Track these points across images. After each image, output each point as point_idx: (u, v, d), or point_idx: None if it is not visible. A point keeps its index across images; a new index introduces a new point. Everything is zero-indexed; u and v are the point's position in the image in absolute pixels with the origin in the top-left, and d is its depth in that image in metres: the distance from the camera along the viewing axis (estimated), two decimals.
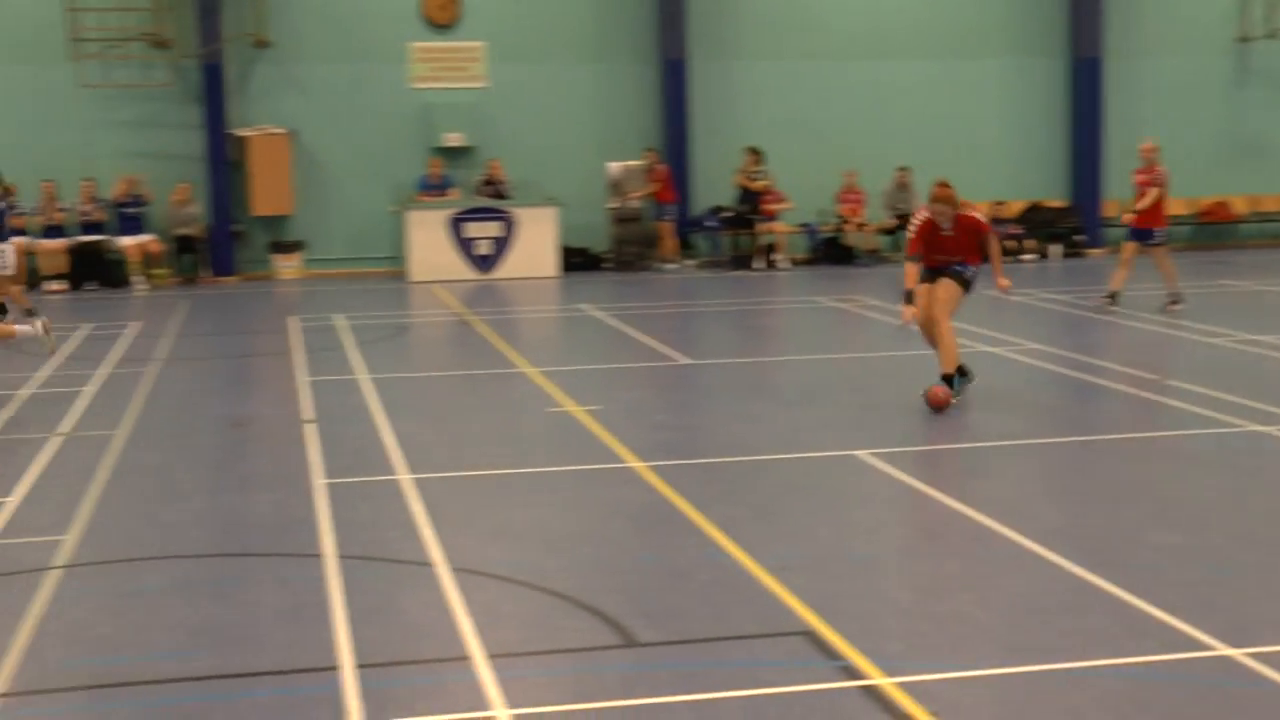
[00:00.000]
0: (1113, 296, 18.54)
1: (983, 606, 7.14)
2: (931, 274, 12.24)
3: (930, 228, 12.08)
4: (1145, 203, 18.26)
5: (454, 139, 25.21)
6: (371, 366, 14.77)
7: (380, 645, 6.69)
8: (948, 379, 11.97)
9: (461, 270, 23.85)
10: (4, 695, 6.19)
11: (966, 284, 12.26)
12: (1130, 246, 18.68)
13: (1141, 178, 18.49)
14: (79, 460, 10.61)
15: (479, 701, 6.04)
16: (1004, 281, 12.67)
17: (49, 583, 7.72)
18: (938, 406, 11.71)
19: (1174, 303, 18.17)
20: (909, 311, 12.13)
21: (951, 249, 12.15)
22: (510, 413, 12.38)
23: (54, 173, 23.47)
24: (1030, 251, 26.23)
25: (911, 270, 12.23)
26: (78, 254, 23.40)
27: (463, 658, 6.53)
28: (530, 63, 25.62)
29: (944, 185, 12.11)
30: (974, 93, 27.12)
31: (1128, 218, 18.86)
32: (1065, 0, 27.17)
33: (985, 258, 12.31)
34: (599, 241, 25.86)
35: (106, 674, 6.43)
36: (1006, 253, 25.64)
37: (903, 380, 13.51)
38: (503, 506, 9.19)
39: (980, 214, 12.56)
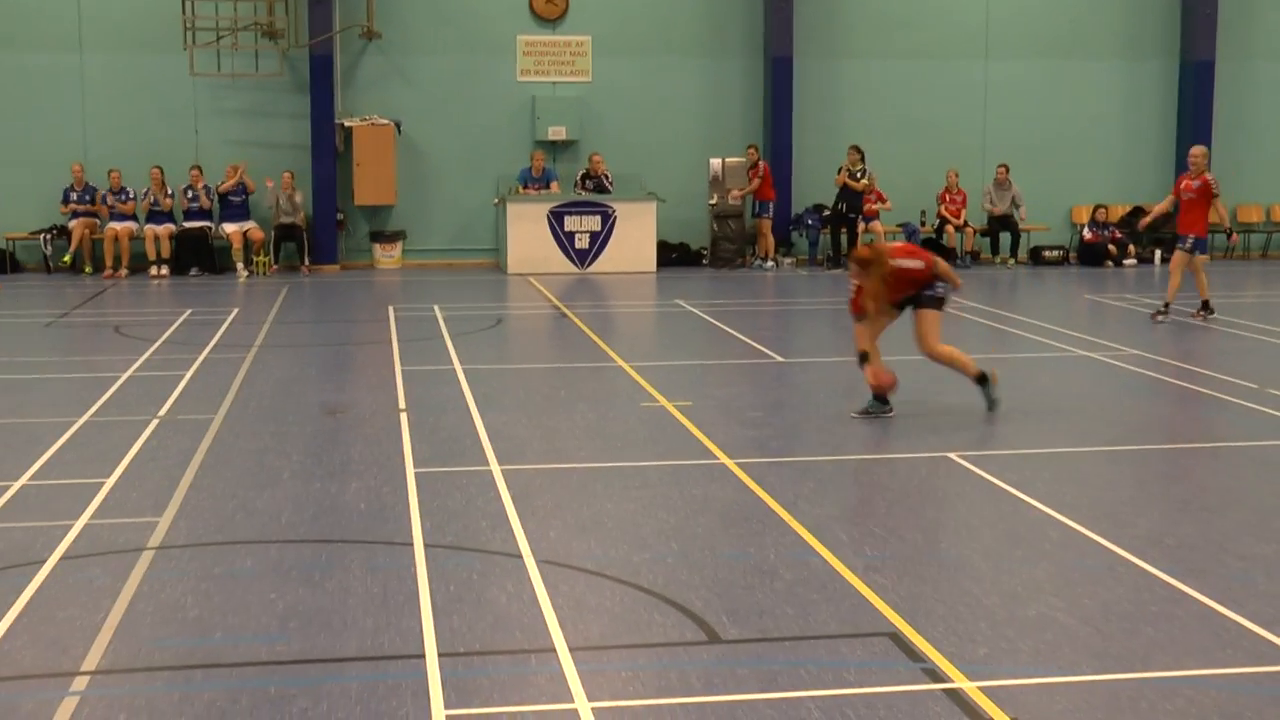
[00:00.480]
0: (1205, 305, 18.02)
1: (1070, 612, 7.05)
2: (902, 307, 11.94)
3: (865, 292, 11.70)
4: (1223, 216, 18.11)
5: (557, 132, 25.30)
6: (467, 357, 14.86)
7: (465, 634, 6.73)
8: (981, 380, 11.90)
9: (560, 263, 23.93)
10: (96, 672, 6.30)
11: (940, 302, 11.93)
12: (1185, 256, 18.02)
13: (1189, 183, 17.91)
14: (175, 443, 10.78)
15: (561, 694, 6.05)
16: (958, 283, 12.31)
17: (142, 563, 7.85)
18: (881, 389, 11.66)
19: (1164, 312, 17.84)
20: (874, 374, 11.76)
21: (905, 287, 11.82)
22: (603, 406, 12.40)
23: (163, 159, 23.86)
24: (1130, 256, 25.85)
25: (860, 332, 11.95)
26: (182, 240, 23.76)
27: (547, 650, 6.55)
28: (635, 57, 25.66)
29: (861, 255, 11.73)
30: (1081, 94, 26.78)
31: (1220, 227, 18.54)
32: (1178, 3, 26.74)
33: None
34: (698, 237, 25.85)
35: (195, 655, 6.52)
36: (1108, 257, 25.37)
37: (999, 382, 13.37)
38: (592, 500, 9.20)
39: (916, 261, 11.83)
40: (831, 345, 16.06)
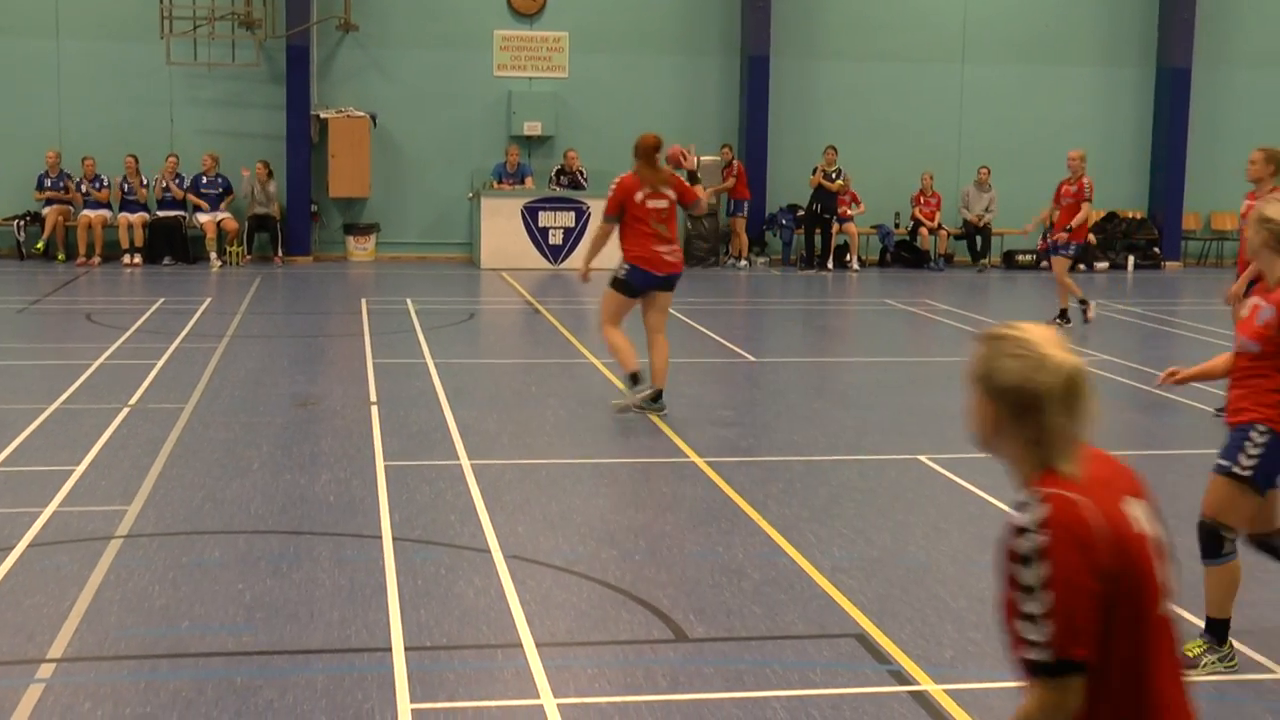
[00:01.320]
0: (1063, 314, 17.53)
1: None
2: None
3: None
4: (1078, 219, 17.47)
5: (533, 128, 25.27)
6: (439, 351, 14.84)
7: (432, 629, 6.73)
8: (634, 378, 11.82)
9: (533, 259, 23.90)
10: (62, 660, 6.28)
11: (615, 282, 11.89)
12: (1063, 262, 17.69)
13: (1066, 188, 17.58)
14: (145, 432, 10.74)
15: (527, 689, 6.06)
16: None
17: (110, 552, 7.82)
18: None
19: (1084, 309, 17.68)
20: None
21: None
22: (574, 403, 12.40)
23: (138, 148, 23.75)
24: (1101, 261, 25.97)
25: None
26: (156, 229, 23.66)
27: (513, 645, 6.56)
28: (612, 54, 25.64)
29: None
30: (1057, 99, 26.84)
31: (1060, 235, 17.66)
32: (1155, 9, 26.84)
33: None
34: None
35: (161, 644, 6.50)
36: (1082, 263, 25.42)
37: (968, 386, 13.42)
38: (561, 496, 9.21)
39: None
40: (804, 346, 16.10)
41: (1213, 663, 6.42)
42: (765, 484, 9.59)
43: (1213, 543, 6.44)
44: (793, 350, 16.11)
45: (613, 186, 11.89)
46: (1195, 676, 6.27)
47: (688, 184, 12.14)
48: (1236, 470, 6.34)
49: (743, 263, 25.10)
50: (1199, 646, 6.45)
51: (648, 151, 11.86)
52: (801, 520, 8.72)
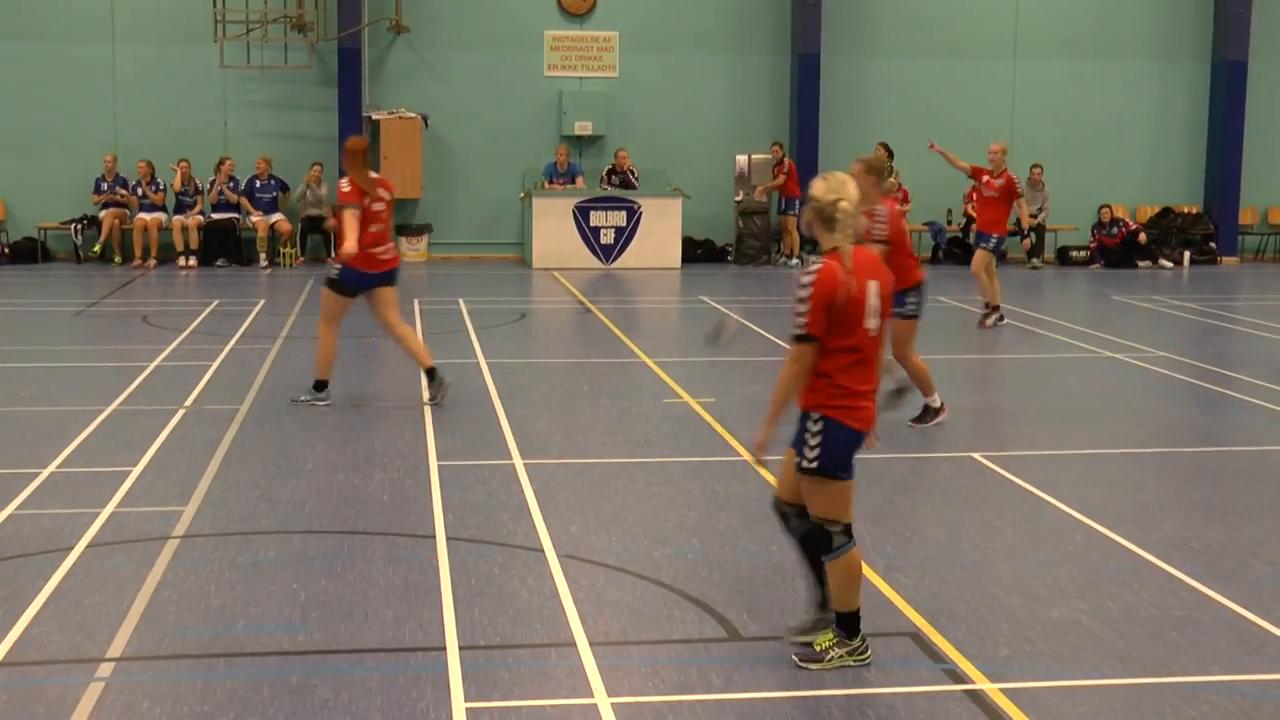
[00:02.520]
0: (995, 310, 17.18)
1: (1094, 615, 7.03)
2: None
3: None
4: (1024, 216, 17.06)
5: (584, 128, 25.31)
6: (491, 351, 14.88)
7: (486, 628, 6.74)
8: (431, 374, 12.01)
9: (584, 258, 23.94)
10: (120, 659, 6.34)
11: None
12: (983, 257, 17.18)
13: (990, 180, 17.02)
14: (201, 433, 10.82)
15: (581, 688, 6.06)
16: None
17: (167, 552, 7.88)
18: None
19: (996, 317, 17.09)
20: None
21: None
22: (626, 402, 12.40)
23: (192, 151, 23.94)
24: (1162, 258, 25.75)
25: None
26: (210, 231, 23.84)
27: (567, 644, 6.56)
28: (662, 53, 25.65)
29: None
30: (1111, 95, 26.66)
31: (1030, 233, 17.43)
32: (1210, 2, 26.59)
33: None
34: (723, 234, 25.83)
35: (218, 643, 6.54)
36: (1135, 256, 25.21)
37: (1023, 383, 13.35)
38: (613, 495, 9.21)
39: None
40: None
41: (841, 656, 6.29)
42: None
43: (824, 538, 6.35)
44: None
45: (346, 189, 11.67)
46: (817, 667, 6.25)
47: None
48: (805, 464, 6.34)
49: (794, 261, 25.03)
50: (829, 639, 6.35)
51: (357, 155, 11.83)
52: (855, 519, 8.61)
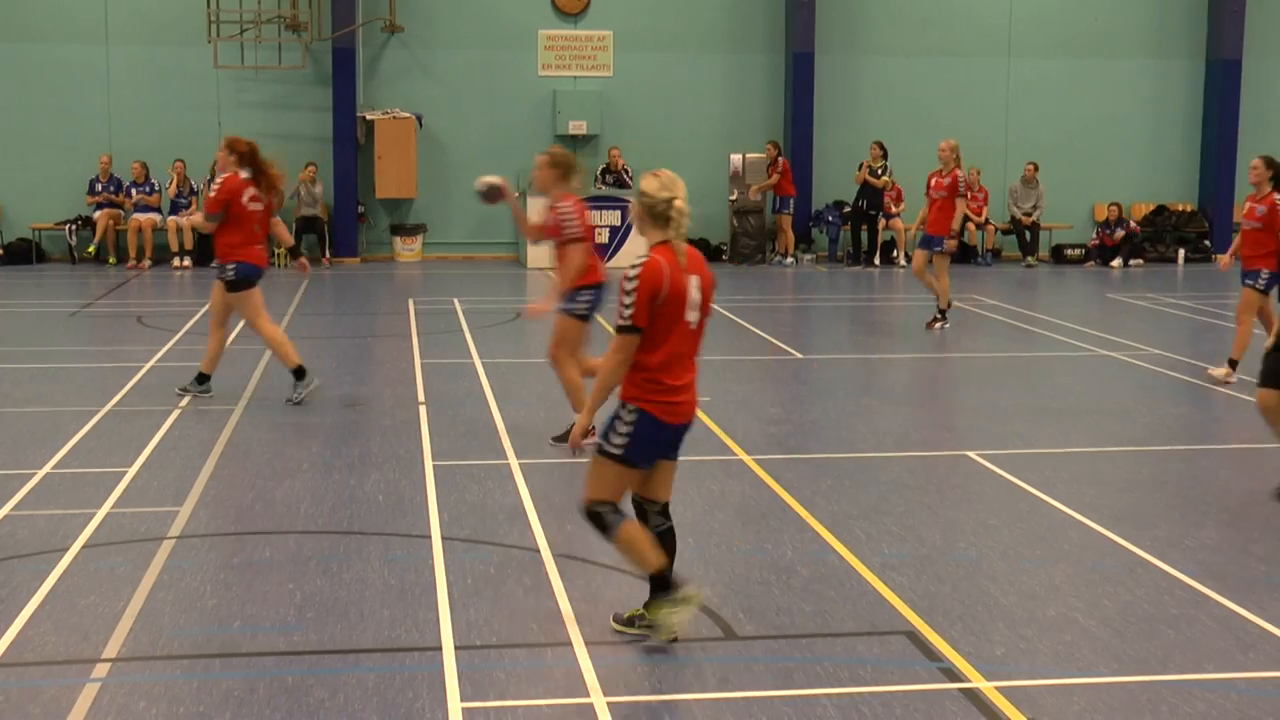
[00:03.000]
0: (942, 313, 16.86)
1: (1089, 613, 7.04)
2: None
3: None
4: (957, 219, 16.65)
5: (578, 127, 25.30)
6: (486, 351, 14.88)
7: (482, 628, 6.74)
8: (299, 373, 12.06)
9: None
10: (116, 659, 6.33)
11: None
12: (922, 257, 16.98)
13: (938, 181, 16.85)
14: (196, 434, 10.82)
15: (577, 688, 6.07)
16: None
17: (162, 552, 7.88)
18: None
19: (939, 321, 16.79)
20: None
21: None
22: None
23: (186, 152, 23.92)
24: (1142, 256, 25.80)
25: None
26: (204, 231, 23.78)
27: (563, 644, 6.56)
28: (656, 52, 25.65)
29: None
30: (1105, 93, 26.66)
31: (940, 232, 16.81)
32: (1205, 1, 26.61)
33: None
34: (718, 233, 25.83)
35: (214, 643, 6.54)
36: (1119, 255, 25.23)
37: (1018, 382, 13.36)
38: None
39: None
40: (851, 342, 16.05)
41: (666, 611, 6.45)
42: (813, 481, 9.57)
43: (597, 521, 6.49)
44: (840, 347, 16.06)
45: (218, 185, 11.90)
46: (633, 629, 6.55)
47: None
48: (609, 448, 6.43)
49: (789, 260, 25.05)
50: (650, 605, 6.55)
51: (253, 153, 12.11)
52: (850, 517, 8.70)
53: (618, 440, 6.39)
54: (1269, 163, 13.18)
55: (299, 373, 12.13)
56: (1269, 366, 9.16)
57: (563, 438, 10.37)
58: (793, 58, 25.53)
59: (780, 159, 25.03)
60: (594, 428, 7.33)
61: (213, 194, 11.91)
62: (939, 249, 16.78)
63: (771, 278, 23.22)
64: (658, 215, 6.38)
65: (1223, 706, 5.92)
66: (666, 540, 6.68)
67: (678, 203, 6.38)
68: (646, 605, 6.59)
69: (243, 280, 11.97)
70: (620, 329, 6.27)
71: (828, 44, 25.78)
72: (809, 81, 25.57)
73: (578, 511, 6.81)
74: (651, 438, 6.42)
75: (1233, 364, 13.35)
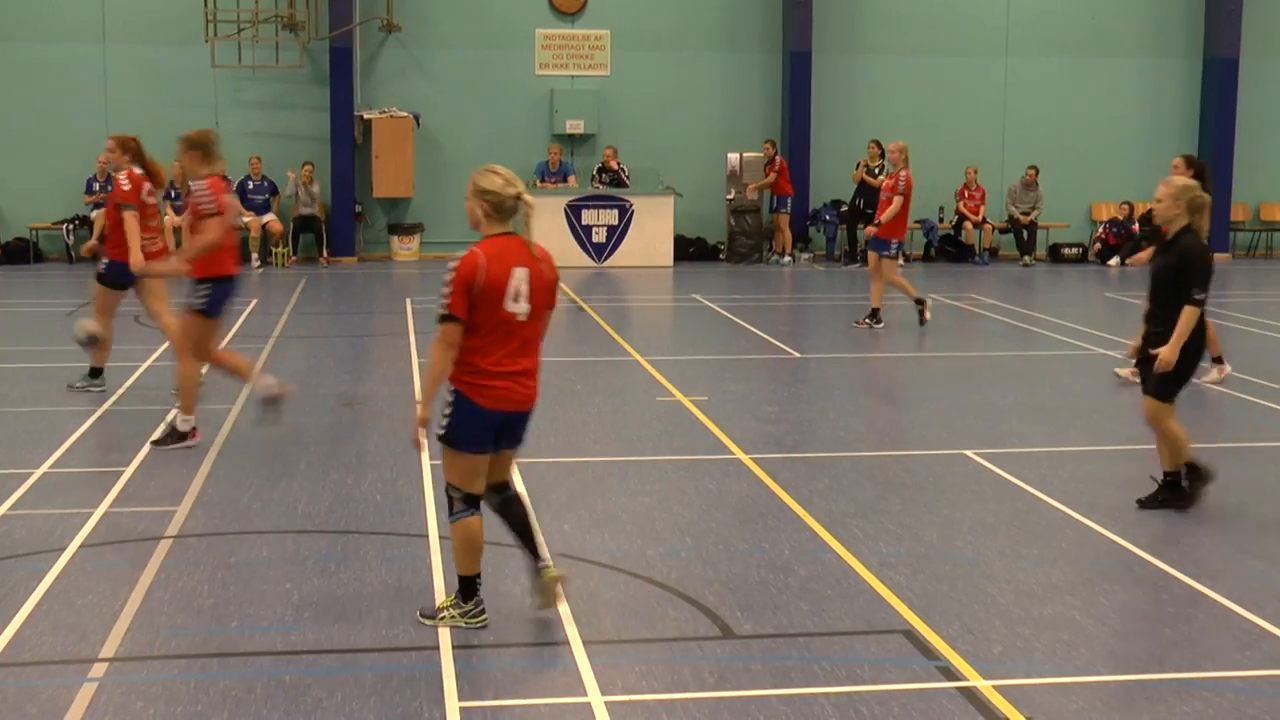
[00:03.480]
0: (874, 313, 16.85)
1: (1087, 612, 7.04)
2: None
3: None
4: (887, 214, 16.43)
5: (575, 126, 25.30)
6: None
7: (479, 628, 6.73)
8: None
9: (577, 257, 23.93)
10: (114, 659, 6.33)
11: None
12: (874, 257, 16.88)
13: (888, 182, 16.74)
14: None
15: (574, 687, 6.07)
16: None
17: (159, 552, 7.88)
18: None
19: (873, 319, 16.75)
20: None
21: None
22: (619, 400, 12.41)
23: None
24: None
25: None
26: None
27: (560, 643, 6.57)
28: (653, 51, 25.65)
29: None
30: (1102, 92, 26.68)
31: (869, 230, 16.94)
32: (1202, 1, 26.62)
33: None
34: (715, 232, 25.83)
35: (211, 643, 6.54)
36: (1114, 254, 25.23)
37: (1015, 380, 13.37)
38: (607, 493, 9.21)
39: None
40: (848, 341, 16.05)
41: (454, 616, 6.68)
42: (811, 480, 9.57)
43: (448, 503, 6.74)
44: (837, 346, 16.06)
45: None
46: (430, 623, 6.68)
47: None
48: (437, 430, 6.71)
49: (786, 259, 25.06)
50: (448, 600, 6.77)
51: (140, 149, 12.47)
52: (848, 516, 8.70)
53: (442, 422, 6.69)
54: (1189, 161, 13.23)
55: (96, 372, 12.37)
56: (1143, 375, 9.07)
57: (164, 440, 10.38)
58: (790, 57, 25.53)
59: (777, 158, 25.03)
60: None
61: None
62: (887, 253, 16.69)
63: (769, 277, 23.22)
64: (505, 210, 6.67)
65: (1220, 705, 5.92)
66: (512, 508, 6.94)
67: (525, 196, 6.69)
68: (452, 599, 6.81)
69: (116, 279, 12.10)
70: (440, 319, 6.52)
71: (825, 43, 25.78)
72: (806, 81, 25.57)
73: (486, 500, 6.90)
74: (469, 420, 6.64)
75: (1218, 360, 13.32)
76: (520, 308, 6.58)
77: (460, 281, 6.48)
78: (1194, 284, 8.61)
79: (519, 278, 6.56)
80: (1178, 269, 8.65)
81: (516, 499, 6.95)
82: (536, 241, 6.73)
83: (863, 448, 10.71)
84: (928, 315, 16.77)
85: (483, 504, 6.78)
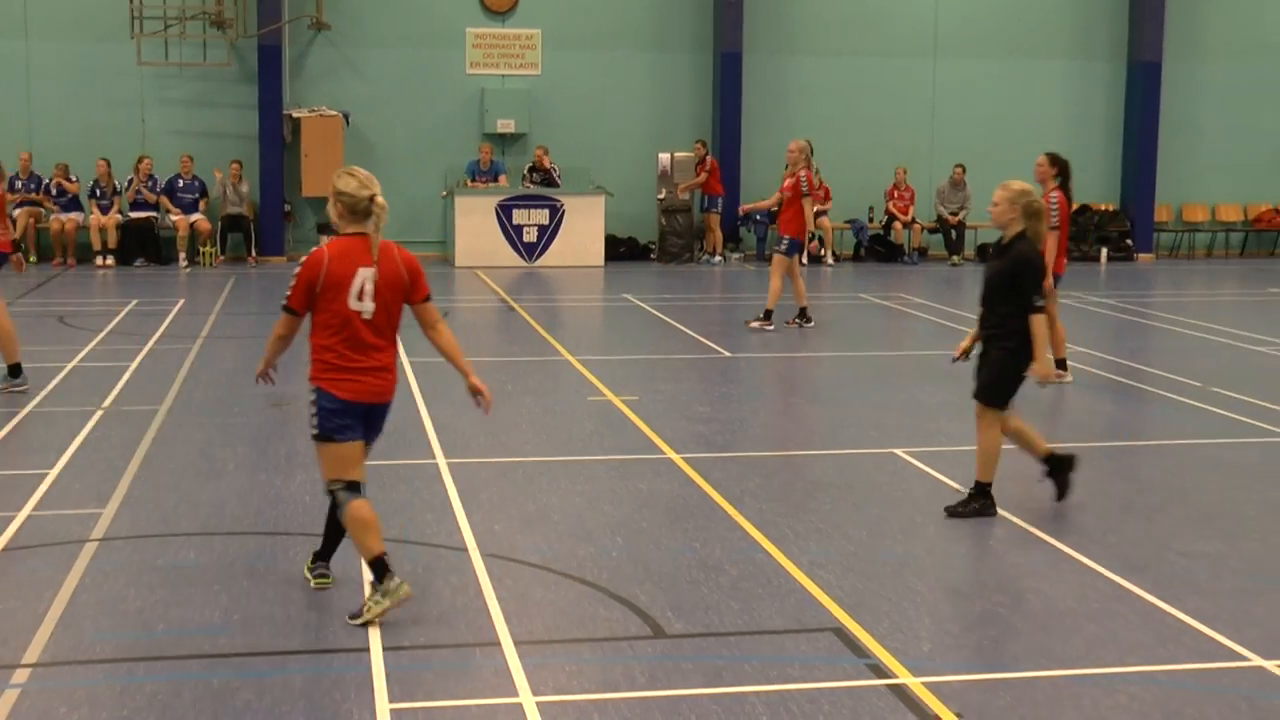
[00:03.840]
0: (803, 312, 16.92)
1: (1014, 609, 7.11)
2: None
3: None
4: (809, 217, 16.68)
5: (506, 125, 25.25)
6: (413, 350, 14.75)
7: (410, 628, 6.71)
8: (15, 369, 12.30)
9: (508, 256, 23.89)
10: (37, 665, 6.25)
11: None
12: (779, 260, 16.75)
13: (787, 182, 16.77)
14: (119, 435, 10.70)
15: (505, 688, 6.05)
16: None
17: (85, 555, 7.79)
18: None
19: (764, 320, 16.67)
20: None
21: None
22: (550, 400, 12.39)
23: (110, 149, 23.64)
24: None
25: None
26: (128, 230, 23.55)
27: (491, 644, 6.55)
28: (584, 51, 25.64)
29: None
30: (1029, 94, 26.93)
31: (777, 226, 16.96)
32: (1125, 3, 26.94)
33: None
34: (646, 232, 25.86)
35: (137, 647, 6.47)
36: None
37: (943, 379, 13.46)
38: (537, 494, 9.20)
39: None
40: (779, 341, 16.10)
41: (379, 601, 6.74)
42: (741, 479, 9.60)
43: (331, 499, 7.02)
44: (768, 346, 16.11)
45: None
46: (361, 620, 6.71)
47: None
48: (311, 430, 6.98)
49: (717, 258, 25.12)
50: (369, 594, 6.86)
51: None
52: (778, 515, 8.73)
53: (312, 420, 6.94)
54: (1053, 159, 13.44)
55: (15, 370, 12.31)
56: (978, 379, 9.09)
57: None
58: (720, 57, 25.60)
59: (708, 158, 25.10)
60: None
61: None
62: (780, 249, 16.73)
63: (700, 276, 23.27)
64: (359, 211, 6.85)
65: (1144, 699, 5.99)
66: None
67: (378, 199, 6.88)
68: (371, 590, 6.87)
69: None
70: (282, 308, 6.95)
71: (755, 44, 25.86)
72: (737, 81, 25.64)
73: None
74: (333, 411, 6.89)
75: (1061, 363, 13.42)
76: (365, 306, 6.88)
77: (302, 278, 6.83)
78: (1033, 291, 8.55)
79: (363, 276, 6.83)
80: (1014, 274, 8.58)
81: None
82: (385, 240, 6.95)
83: (793, 447, 10.75)
84: (800, 324, 16.75)
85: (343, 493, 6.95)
